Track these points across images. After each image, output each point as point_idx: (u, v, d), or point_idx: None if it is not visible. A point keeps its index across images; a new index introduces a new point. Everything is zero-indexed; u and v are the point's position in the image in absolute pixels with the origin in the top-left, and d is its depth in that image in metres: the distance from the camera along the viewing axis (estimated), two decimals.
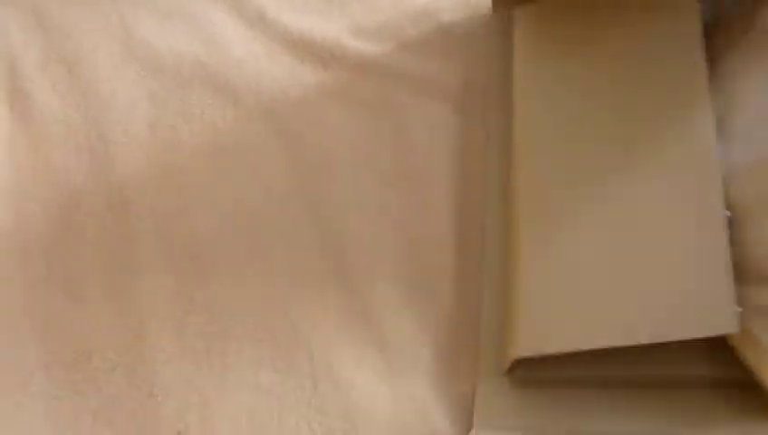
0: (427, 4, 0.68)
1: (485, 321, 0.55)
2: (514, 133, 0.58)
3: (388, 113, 0.63)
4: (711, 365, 0.49)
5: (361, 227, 0.59)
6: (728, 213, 0.48)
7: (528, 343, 0.51)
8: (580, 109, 0.57)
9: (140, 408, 0.54)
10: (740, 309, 0.45)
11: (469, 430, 0.51)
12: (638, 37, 0.58)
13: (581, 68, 0.59)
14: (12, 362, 0.56)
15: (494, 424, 0.51)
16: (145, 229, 0.61)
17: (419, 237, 0.58)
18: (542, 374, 0.53)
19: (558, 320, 0.51)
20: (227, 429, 0.53)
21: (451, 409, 0.52)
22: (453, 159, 0.61)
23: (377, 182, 0.61)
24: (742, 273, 0.46)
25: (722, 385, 0.49)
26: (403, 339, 0.55)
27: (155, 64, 0.70)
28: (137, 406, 0.54)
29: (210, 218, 0.61)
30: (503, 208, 0.58)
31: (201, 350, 0.55)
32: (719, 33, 0.58)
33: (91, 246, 0.61)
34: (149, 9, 0.74)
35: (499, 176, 0.59)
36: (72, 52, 0.72)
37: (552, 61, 0.61)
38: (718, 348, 0.47)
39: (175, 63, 0.69)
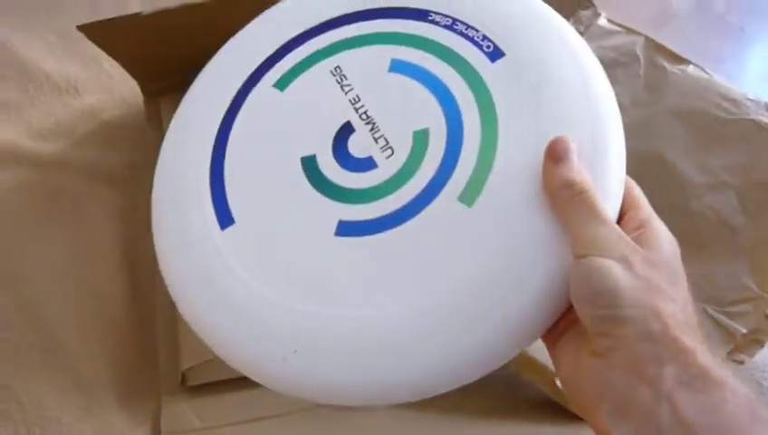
0: (92, 105, 0.82)
1: (162, 344, 0.69)
2: None
3: (66, 200, 0.76)
4: None
5: (52, 290, 0.71)
6: None
7: (191, 355, 0.67)
8: None
9: None
10: None
11: None
12: None
13: None
14: None
15: (180, 430, 0.65)
16: None
17: (100, 293, 0.72)
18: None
19: None
20: None
21: (143, 426, 0.66)
22: (120, 230, 0.75)
23: (61, 254, 0.74)
24: None
25: None
26: (98, 378, 0.68)
27: None
28: None
29: None
30: None
31: None
32: None
33: None
34: None
35: None
36: None
37: None
38: None
39: None
